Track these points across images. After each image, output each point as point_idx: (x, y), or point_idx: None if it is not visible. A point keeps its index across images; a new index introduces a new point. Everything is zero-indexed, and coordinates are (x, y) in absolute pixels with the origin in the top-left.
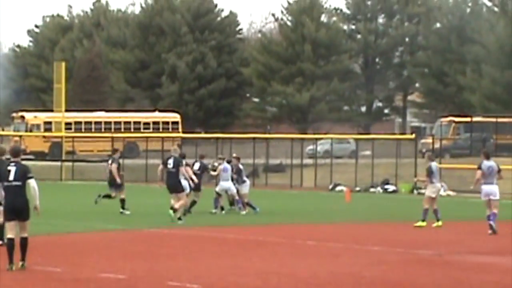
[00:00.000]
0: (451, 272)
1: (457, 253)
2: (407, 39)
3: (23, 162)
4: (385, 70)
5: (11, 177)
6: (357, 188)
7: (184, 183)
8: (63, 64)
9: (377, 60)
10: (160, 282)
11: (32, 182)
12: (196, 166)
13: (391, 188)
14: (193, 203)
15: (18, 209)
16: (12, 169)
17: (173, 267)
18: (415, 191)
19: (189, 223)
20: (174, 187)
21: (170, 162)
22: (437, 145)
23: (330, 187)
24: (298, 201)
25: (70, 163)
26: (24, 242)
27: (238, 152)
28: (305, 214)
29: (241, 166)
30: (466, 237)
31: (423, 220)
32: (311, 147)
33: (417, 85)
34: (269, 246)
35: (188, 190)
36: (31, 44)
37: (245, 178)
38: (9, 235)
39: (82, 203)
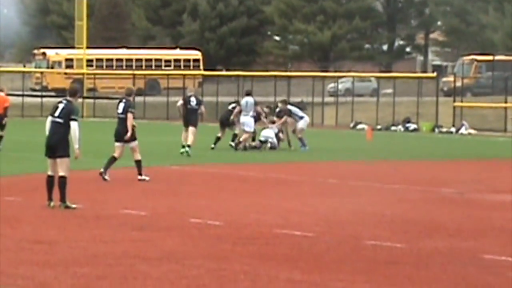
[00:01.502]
0: (471, 211)
1: (478, 192)
2: None
3: (74, 103)
4: (407, 8)
5: (56, 114)
6: (378, 127)
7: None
8: (85, 1)
9: None
10: (182, 219)
11: (73, 124)
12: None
13: (412, 126)
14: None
15: (52, 146)
16: (60, 106)
17: (194, 204)
18: (436, 130)
19: (210, 160)
20: (193, 123)
21: (193, 100)
22: (458, 84)
23: (352, 125)
24: (319, 139)
25: (91, 100)
26: (60, 181)
27: (259, 90)
28: (326, 152)
29: (289, 107)
30: (487, 175)
31: None
32: (332, 85)
33: (439, 23)
34: (290, 184)
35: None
36: None
37: (302, 114)
38: (48, 172)
39: (104, 140)
